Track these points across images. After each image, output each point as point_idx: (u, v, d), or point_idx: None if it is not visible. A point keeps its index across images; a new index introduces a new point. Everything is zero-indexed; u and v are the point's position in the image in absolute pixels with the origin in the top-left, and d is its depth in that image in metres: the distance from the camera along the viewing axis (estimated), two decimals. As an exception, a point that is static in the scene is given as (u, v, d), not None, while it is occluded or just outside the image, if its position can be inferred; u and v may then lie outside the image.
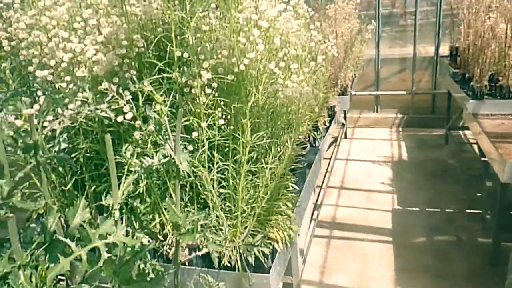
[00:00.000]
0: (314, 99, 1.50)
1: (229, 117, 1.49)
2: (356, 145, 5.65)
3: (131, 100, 1.20)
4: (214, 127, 1.44)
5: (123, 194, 0.88)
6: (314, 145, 2.86)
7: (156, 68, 1.40)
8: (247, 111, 1.43)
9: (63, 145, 1.38)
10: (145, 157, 1.08)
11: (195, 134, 1.41)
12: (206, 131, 1.42)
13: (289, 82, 1.50)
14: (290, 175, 1.85)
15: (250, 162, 1.54)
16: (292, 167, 1.87)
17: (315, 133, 2.83)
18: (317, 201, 3.96)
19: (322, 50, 2.38)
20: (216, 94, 1.43)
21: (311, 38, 1.73)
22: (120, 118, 1.18)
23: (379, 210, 4.00)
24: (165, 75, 1.39)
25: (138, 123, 1.23)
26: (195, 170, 1.42)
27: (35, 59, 1.53)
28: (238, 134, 1.48)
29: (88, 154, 1.55)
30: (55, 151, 1.39)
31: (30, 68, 1.54)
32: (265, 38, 1.41)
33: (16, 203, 0.90)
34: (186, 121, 1.44)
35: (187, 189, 1.60)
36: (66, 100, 1.14)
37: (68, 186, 1.68)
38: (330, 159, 4.94)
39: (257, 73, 1.48)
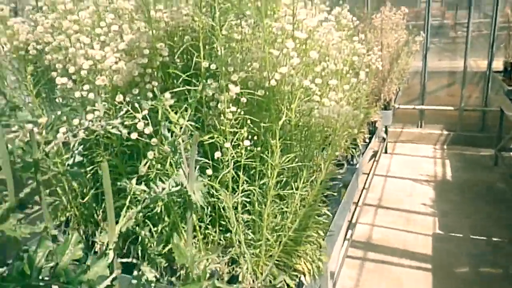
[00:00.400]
0: (354, 120, 1.33)
1: (256, 136, 1.35)
2: (397, 161, 5.37)
3: (147, 116, 1.08)
4: (240, 147, 1.30)
5: (122, 230, 0.75)
6: (351, 163, 2.68)
7: (181, 79, 1.28)
8: (277, 130, 1.29)
9: (78, 158, 1.28)
10: (159, 182, 0.96)
11: (218, 154, 1.28)
12: (231, 152, 1.29)
13: (327, 100, 1.35)
14: (323, 199, 1.68)
15: (278, 186, 1.40)
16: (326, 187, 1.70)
17: (353, 150, 2.64)
18: (352, 219, 3.75)
19: (365, 63, 2.20)
20: (244, 111, 1.29)
21: (354, 51, 1.56)
22: (134, 135, 1.07)
23: (418, 233, 3.74)
24: (189, 87, 1.27)
25: (154, 141, 1.11)
26: (216, 193, 1.29)
27: (59, 64, 1.45)
28: (266, 155, 1.34)
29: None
30: (68, 164, 1.30)
31: (54, 74, 1.47)
32: (300, 51, 1.26)
33: (6, 230, 0.80)
34: (210, 138, 1.31)
35: (208, 210, 1.48)
36: (79, 112, 1.04)
37: (86, 199, 1.60)
38: (368, 174, 4.70)
39: (290, 89, 1.33)
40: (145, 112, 1.06)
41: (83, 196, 1.56)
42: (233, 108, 1.23)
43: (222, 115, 1.27)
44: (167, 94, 1.16)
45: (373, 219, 4.08)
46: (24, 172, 0.93)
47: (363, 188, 4.37)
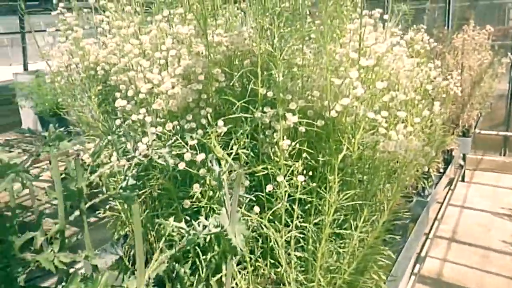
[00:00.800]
0: (425, 157, 1.19)
1: (313, 169, 1.25)
2: (475, 191, 4.92)
3: (196, 146, 1.04)
4: (293, 180, 1.21)
5: (152, 276, 0.70)
6: (422, 194, 2.46)
7: (236, 106, 1.23)
8: (336, 165, 1.19)
9: (131, 181, 1.27)
10: (203, 218, 0.90)
11: (270, 187, 1.20)
12: (285, 185, 1.21)
13: (394, 133, 1.22)
14: (385, 238, 1.53)
15: (335, 224, 1.29)
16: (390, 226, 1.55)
17: (425, 181, 2.43)
18: (421, 251, 3.47)
19: (442, 88, 2.02)
20: (301, 142, 1.21)
21: (428, 78, 1.42)
22: (181, 165, 1.03)
23: (498, 275, 3.36)
24: (245, 114, 1.21)
25: (203, 171, 1.06)
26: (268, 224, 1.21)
27: (122, 86, 1.47)
28: (323, 191, 1.24)
29: (159, 191, 1.44)
30: (121, 187, 1.29)
31: (117, 94, 1.49)
32: (366, 80, 1.16)
33: (42, 261, 0.79)
34: (264, 169, 1.24)
35: (260, 241, 1.40)
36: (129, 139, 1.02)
37: (142, 217, 1.60)
38: (442, 203, 4.35)
39: (353, 120, 1.22)
40: (194, 142, 1.02)
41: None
42: (288, 141, 1.14)
43: (276, 145, 1.19)
44: (220, 122, 1.11)
45: (445, 254, 3.74)
46: (68, 201, 0.92)
47: (435, 218, 4.05)
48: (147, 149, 0.99)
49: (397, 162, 1.28)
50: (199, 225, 0.87)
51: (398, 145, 1.19)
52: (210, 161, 0.93)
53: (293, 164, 1.20)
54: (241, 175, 0.77)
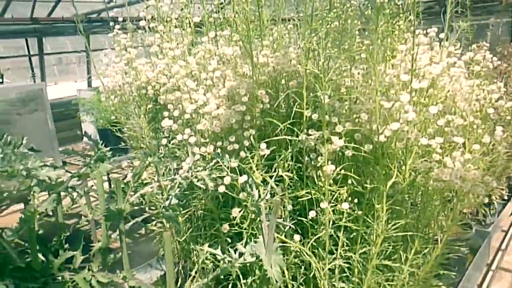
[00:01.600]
0: (485, 187, 1.09)
1: (360, 196, 1.18)
2: (546, 220, 4.51)
3: (236, 169, 1.01)
4: (338, 206, 1.15)
5: None
6: (483, 223, 2.28)
7: (280, 129, 1.20)
8: (384, 193, 1.11)
9: (174, 201, 1.27)
10: (240, 245, 0.87)
11: (312, 213, 1.15)
12: (329, 211, 1.15)
13: (449, 160, 1.13)
14: (439, 272, 1.42)
15: (382, 256, 1.21)
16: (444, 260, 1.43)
17: (486, 209, 2.26)
18: (481, 284, 3.21)
19: (508, 110, 1.88)
20: (347, 167, 1.15)
21: (489, 101, 1.31)
22: (221, 188, 1.01)
23: None
24: (288, 137, 1.18)
25: (243, 195, 1.04)
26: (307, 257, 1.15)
27: (170, 105, 1.49)
28: (370, 219, 1.17)
29: (203, 211, 1.43)
30: (163, 207, 1.30)
31: (165, 113, 1.52)
32: (419, 103, 1.09)
33: (78, 281, 0.79)
34: (307, 193, 1.19)
35: (301, 269, 1.34)
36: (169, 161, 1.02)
37: (184, 237, 1.60)
38: (507, 233, 4.02)
39: (406, 145, 1.15)
40: (235, 165, 1.00)
41: (179, 235, 1.55)
42: (332, 167, 1.09)
43: (321, 169, 1.14)
44: (263, 144, 1.08)
45: (509, 288, 3.44)
46: (108, 221, 0.93)
47: (499, 248, 3.74)
48: (187, 171, 0.98)
49: (452, 191, 1.18)
50: (235, 252, 0.84)
51: (453, 174, 1.10)
52: (250, 186, 0.90)
53: (338, 190, 1.14)
54: (278, 204, 0.74)
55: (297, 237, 1.10)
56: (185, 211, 1.45)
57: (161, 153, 1.03)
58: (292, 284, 1.38)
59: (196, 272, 1.08)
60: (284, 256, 1.36)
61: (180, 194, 1.34)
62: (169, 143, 1.36)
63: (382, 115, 1.10)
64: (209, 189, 0.96)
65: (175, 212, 1.31)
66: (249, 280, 1.38)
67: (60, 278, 0.81)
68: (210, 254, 0.96)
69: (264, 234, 0.80)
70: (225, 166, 1.01)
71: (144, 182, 1.09)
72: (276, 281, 0.73)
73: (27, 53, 6.38)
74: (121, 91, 1.75)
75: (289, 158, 1.23)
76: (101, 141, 0.98)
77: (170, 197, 1.24)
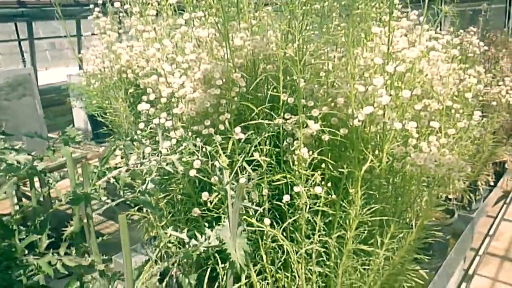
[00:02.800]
0: (460, 172, 1.09)
1: (336, 181, 1.18)
2: (534, 206, 4.55)
3: (208, 153, 1.00)
4: (311, 192, 1.15)
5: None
6: (468, 208, 2.29)
7: (257, 113, 1.19)
8: (359, 178, 1.11)
9: (150, 186, 1.26)
10: (208, 230, 0.86)
11: (286, 197, 1.15)
12: (305, 196, 1.15)
13: (424, 145, 1.13)
14: (419, 256, 1.42)
15: (358, 240, 1.21)
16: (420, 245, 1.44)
17: (472, 195, 2.26)
18: (468, 269, 3.24)
19: (493, 96, 1.87)
20: (322, 151, 1.14)
21: (469, 86, 1.30)
22: (192, 172, 1.00)
23: (557, 301, 3.07)
24: (264, 121, 1.17)
25: (215, 179, 1.03)
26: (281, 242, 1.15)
27: (149, 90, 1.48)
28: (346, 204, 1.17)
29: (181, 196, 1.42)
30: (138, 191, 1.29)
31: (144, 98, 1.50)
32: (393, 87, 1.08)
33: (41, 264, 0.79)
34: (283, 177, 1.19)
35: (278, 254, 1.34)
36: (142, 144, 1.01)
37: (164, 222, 1.59)
38: (495, 218, 4.05)
39: (382, 130, 1.14)
40: (209, 149, 0.99)
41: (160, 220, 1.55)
42: (305, 150, 1.09)
43: (295, 154, 1.14)
44: (238, 129, 1.07)
45: (496, 273, 3.47)
46: (74, 205, 0.92)
47: (487, 234, 3.77)
48: (157, 155, 0.97)
49: (429, 176, 1.18)
50: (202, 236, 0.84)
51: (428, 158, 1.10)
52: (220, 170, 0.89)
53: (312, 174, 1.13)
54: (242, 187, 0.73)
55: (267, 220, 1.09)
56: (165, 195, 1.44)
57: (132, 137, 1.02)
58: (270, 269, 1.38)
59: (158, 257, 1.08)
60: (262, 241, 1.36)
61: (160, 178, 1.33)
62: (147, 127, 1.35)
63: (357, 99, 1.09)
64: (179, 172, 0.95)
65: (152, 196, 1.30)
66: (227, 264, 1.38)
67: (24, 261, 0.80)
68: (176, 238, 0.95)
69: (230, 219, 0.79)
70: (196, 150, 1.00)
71: (117, 166, 1.08)
72: (240, 265, 0.73)
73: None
74: (101, 75, 1.73)
75: (267, 143, 1.22)
76: (92, 127, 0.97)
77: (147, 181, 1.23)
